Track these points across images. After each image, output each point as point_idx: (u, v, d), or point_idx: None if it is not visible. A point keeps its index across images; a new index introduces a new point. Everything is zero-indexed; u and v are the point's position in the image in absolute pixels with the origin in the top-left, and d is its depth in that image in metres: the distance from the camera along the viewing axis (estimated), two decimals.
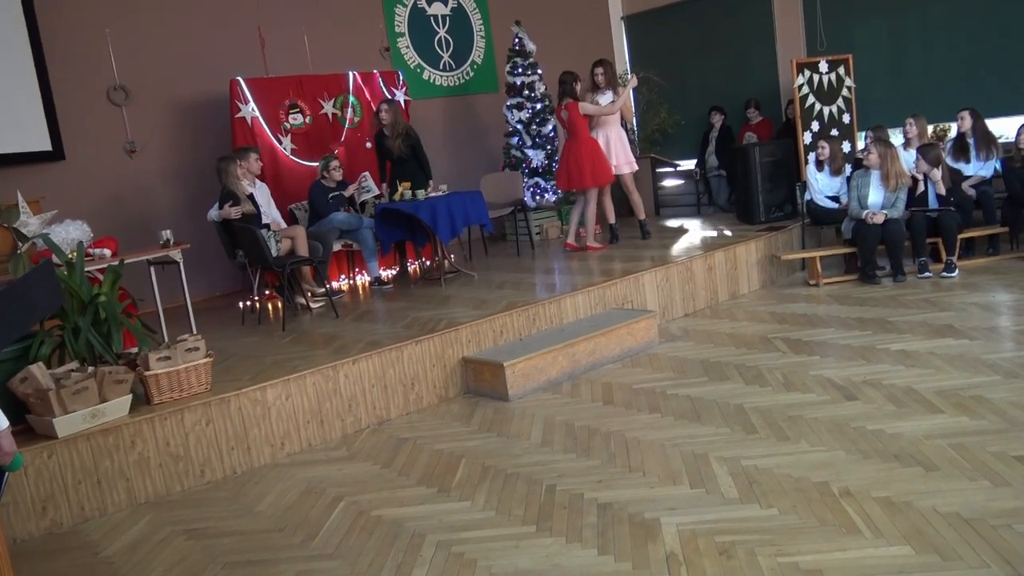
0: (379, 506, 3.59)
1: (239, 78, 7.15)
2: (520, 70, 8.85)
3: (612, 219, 7.90)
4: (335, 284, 7.23)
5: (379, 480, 3.90)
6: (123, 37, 7.19)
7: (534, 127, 8.86)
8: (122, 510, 3.89)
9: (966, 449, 3.38)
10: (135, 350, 4.48)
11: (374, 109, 7.53)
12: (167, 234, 5.48)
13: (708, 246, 6.99)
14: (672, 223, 8.92)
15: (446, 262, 7.07)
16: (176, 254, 5.44)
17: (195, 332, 5.08)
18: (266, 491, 3.94)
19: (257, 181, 6.51)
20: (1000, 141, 7.25)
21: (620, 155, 7.68)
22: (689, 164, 10.17)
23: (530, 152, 8.87)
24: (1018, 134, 6.77)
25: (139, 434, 3.96)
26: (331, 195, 6.86)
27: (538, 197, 8.85)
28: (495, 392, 4.91)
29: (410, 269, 7.69)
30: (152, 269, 5.64)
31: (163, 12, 7.43)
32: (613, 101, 7.57)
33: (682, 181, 10.37)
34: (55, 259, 4.41)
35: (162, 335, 5.35)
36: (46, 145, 6.75)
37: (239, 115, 7.11)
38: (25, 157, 6.61)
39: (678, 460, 3.65)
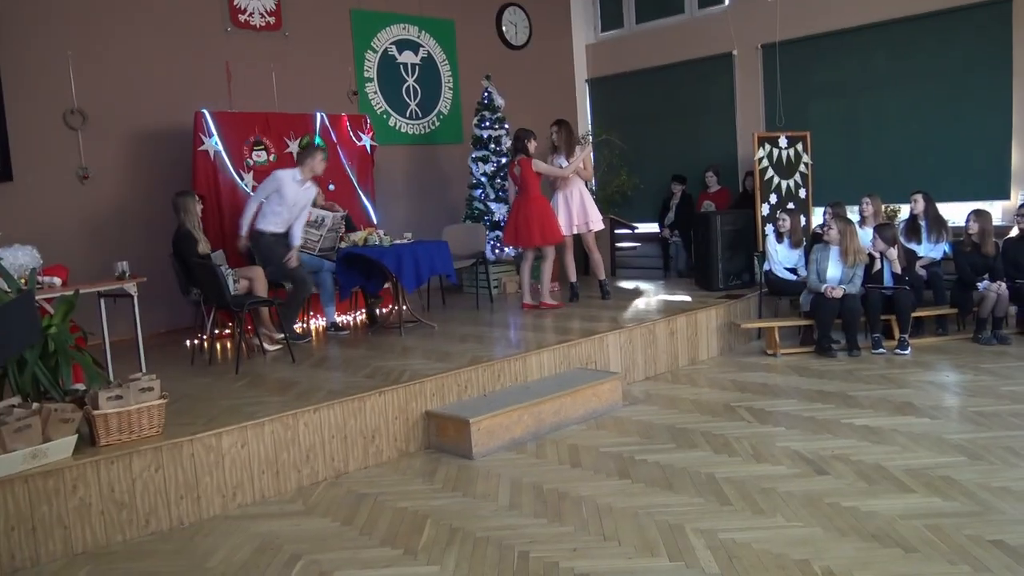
0: (340, 567, 3.38)
1: (204, 110, 6.98)
2: (487, 123, 8.88)
3: (573, 277, 7.88)
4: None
5: (339, 538, 3.70)
6: (85, 61, 6.98)
7: (498, 181, 8.87)
8: (56, 560, 3.61)
9: (942, 531, 3.36)
10: (81, 387, 4.22)
11: (340, 150, 7.40)
12: (123, 266, 5.23)
13: (670, 310, 7.00)
14: (627, 284, 8.95)
15: (405, 311, 6.93)
16: (131, 287, 5.19)
17: (145, 370, 4.85)
18: (217, 545, 3.70)
19: (309, 183, 6.43)
20: (950, 225, 7.51)
21: (587, 213, 7.71)
22: (646, 227, 10.29)
23: (492, 205, 8.85)
24: (967, 220, 7.02)
25: (82, 478, 3.70)
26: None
27: (498, 251, 8.81)
28: (458, 449, 4.75)
29: (364, 315, 7.48)
30: (103, 301, 5.37)
31: (129, 39, 7.24)
32: (568, 163, 7.60)
33: (639, 244, 10.48)
34: (3, 284, 4.15)
35: (108, 372, 5.07)
36: None
37: (202, 148, 6.93)
38: None
39: (653, 530, 3.55)
